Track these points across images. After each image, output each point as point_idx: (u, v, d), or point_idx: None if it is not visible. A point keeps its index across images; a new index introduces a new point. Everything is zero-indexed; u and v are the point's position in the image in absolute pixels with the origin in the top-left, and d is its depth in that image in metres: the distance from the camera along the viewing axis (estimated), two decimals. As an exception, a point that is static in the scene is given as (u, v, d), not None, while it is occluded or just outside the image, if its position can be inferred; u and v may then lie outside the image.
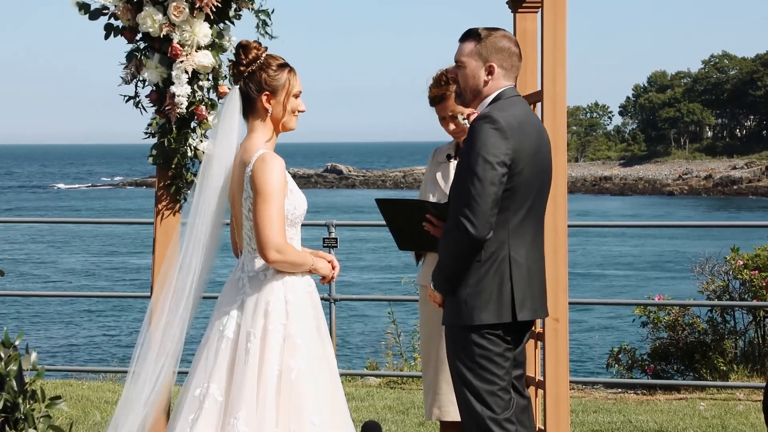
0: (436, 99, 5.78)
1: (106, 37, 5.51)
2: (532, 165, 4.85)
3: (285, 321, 4.72)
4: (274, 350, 4.67)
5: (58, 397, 4.24)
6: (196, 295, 4.91)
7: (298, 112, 4.94)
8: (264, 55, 4.87)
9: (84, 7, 5.46)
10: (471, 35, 4.99)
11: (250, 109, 4.87)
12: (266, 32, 5.45)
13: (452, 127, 5.77)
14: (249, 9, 5.50)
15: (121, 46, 5.52)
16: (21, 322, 24.92)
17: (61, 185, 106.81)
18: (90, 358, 21.12)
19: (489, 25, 5.02)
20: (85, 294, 24.28)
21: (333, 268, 5.00)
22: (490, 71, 4.94)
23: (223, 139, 4.89)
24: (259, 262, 4.80)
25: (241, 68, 4.85)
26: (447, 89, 5.70)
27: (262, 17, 5.46)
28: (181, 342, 4.91)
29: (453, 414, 5.54)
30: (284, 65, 4.88)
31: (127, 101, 5.52)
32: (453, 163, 5.79)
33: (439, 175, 5.82)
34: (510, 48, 4.96)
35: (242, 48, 4.87)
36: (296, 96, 4.90)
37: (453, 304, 4.88)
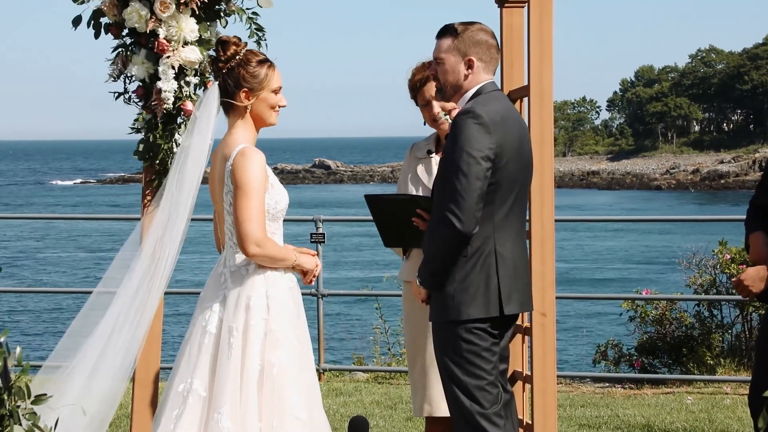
0: (421, 82, 5.68)
1: (96, 36, 5.49)
2: (516, 159, 4.87)
3: (266, 316, 4.72)
4: (255, 345, 4.66)
5: (44, 394, 4.22)
6: (160, 292, 4.92)
7: (279, 107, 4.93)
8: (243, 51, 4.85)
9: (75, 21, 5.45)
10: (448, 31, 5.00)
11: (230, 105, 4.86)
12: (259, 41, 5.41)
13: (437, 109, 5.67)
14: (237, 13, 5.47)
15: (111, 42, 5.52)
16: (10, 318, 24.86)
17: (58, 181, 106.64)
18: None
19: (486, 25, 5.05)
20: (74, 290, 24.17)
21: (315, 266, 4.99)
22: (469, 65, 4.95)
23: (199, 134, 4.88)
24: (241, 257, 4.79)
25: (220, 64, 4.84)
26: (430, 72, 5.63)
27: (254, 27, 5.43)
28: (136, 340, 4.87)
29: (444, 409, 5.53)
30: (264, 61, 4.86)
31: (117, 98, 5.51)
32: (435, 158, 5.75)
33: (421, 170, 5.78)
34: (488, 41, 4.97)
35: (221, 44, 4.86)
36: (276, 92, 4.88)
37: (440, 300, 4.89)
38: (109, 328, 4.85)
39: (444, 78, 5.00)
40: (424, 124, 5.85)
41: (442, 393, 5.45)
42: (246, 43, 4.90)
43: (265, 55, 4.89)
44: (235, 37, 4.91)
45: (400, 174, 6.00)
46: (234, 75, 4.82)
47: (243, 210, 4.68)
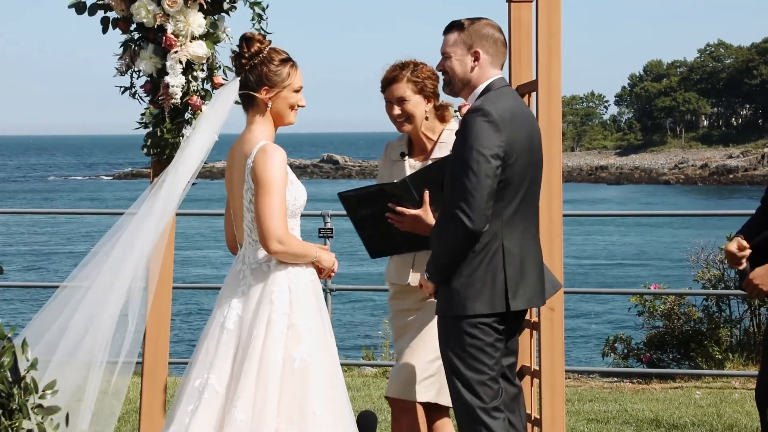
0: (388, 81, 5.60)
1: (104, 30, 5.50)
2: (525, 156, 4.87)
3: (288, 311, 4.72)
4: (277, 340, 4.67)
5: (54, 390, 4.24)
6: (137, 286, 4.88)
7: (298, 106, 4.93)
8: (267, 49, 4.85)
9: (80, 8, 5.45)
10: (454, 26, 5.03)
11: (250, 102, 4.86)
12: (261, 28, 5.42)
13: (397, 111, 5.58)
14: (244, 0, 5.48)
15: (119, 37, 5.51)
16: (19, 313, 24.91)
17: (77, 176, 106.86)
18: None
19: (493, 21, 5.05)
20: (79, 285, 24.19)
21: (333, 263, 5.01)
22: (476, 57, 4.96)
23: (207, 126, 4.88)
24: (261, 253, 4.79)
25: (243, 61, 4.83)
26: (400, 72, 5.56)
27: (257, 10, 5.44)
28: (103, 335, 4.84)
29: (392, 390, 5.54)
30: (287, 60, 4.86)
31: (123, 92, 5.52)
32: (408, 162, 5.67)
33: (395, 175, 5.65)
34: (494, 34, 4.99)
35: (245, 40, 4.86)
36: (297, 91, 4.89)
37: (446, 295, 4.90)
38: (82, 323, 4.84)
39: (452, 72, 5.01)
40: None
41: (405, 378, 5.45)
42: (270, 41, 4.90)
43: (288, 54, 4.89)
44: (259, 34, 4.92)
45: (378, 175, 5.90)
46: (256, 72, 4.82)
47: (264, 207, 4.68)
